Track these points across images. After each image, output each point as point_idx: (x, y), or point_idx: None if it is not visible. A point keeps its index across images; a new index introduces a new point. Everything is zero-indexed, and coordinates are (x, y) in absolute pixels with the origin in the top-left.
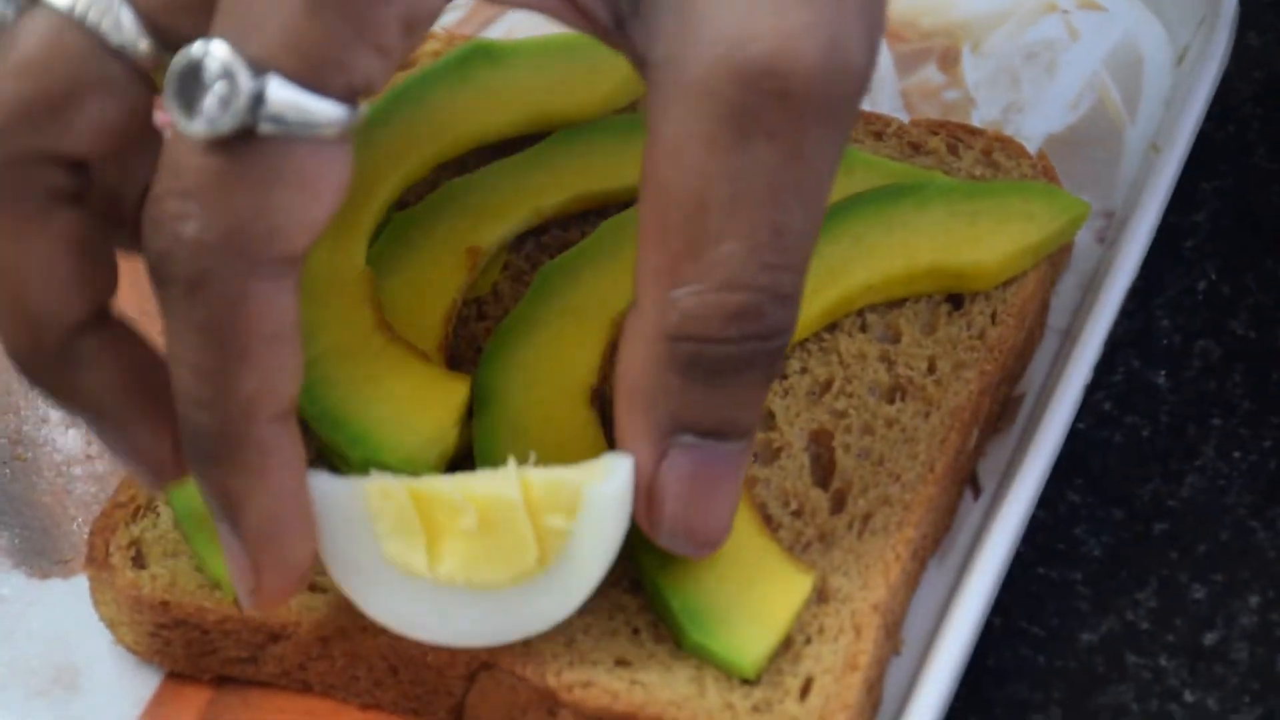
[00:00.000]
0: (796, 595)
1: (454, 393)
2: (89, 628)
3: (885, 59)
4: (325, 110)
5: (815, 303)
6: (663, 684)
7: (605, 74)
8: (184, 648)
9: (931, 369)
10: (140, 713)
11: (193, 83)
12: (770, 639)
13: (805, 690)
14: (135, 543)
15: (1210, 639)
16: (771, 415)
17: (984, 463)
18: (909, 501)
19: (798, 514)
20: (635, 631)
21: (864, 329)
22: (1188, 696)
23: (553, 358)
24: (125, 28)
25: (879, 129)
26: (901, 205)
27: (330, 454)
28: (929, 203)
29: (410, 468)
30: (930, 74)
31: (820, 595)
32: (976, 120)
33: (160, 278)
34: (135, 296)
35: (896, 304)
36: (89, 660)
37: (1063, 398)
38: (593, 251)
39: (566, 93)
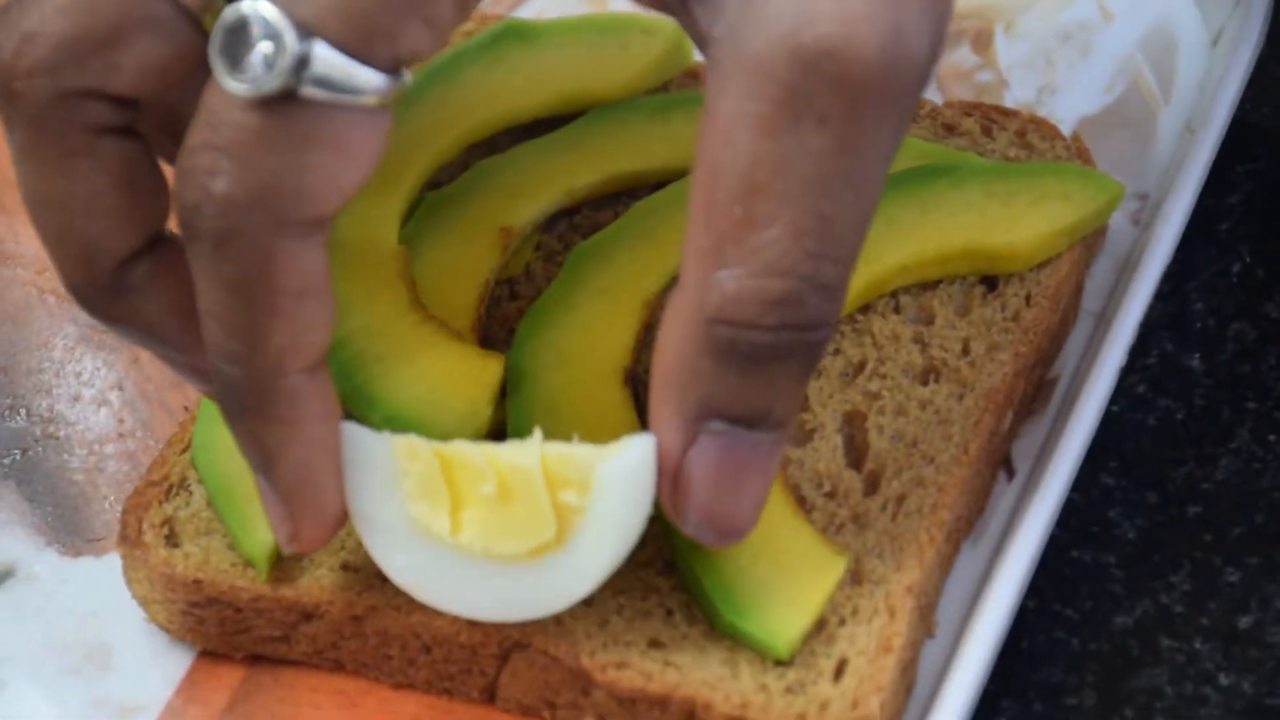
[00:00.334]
0: (830, 577)
1: (487, 372)
2: (121, 606)
3: None
4: (369, 78)
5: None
6: (696, 665)
7: (637, 54)
8: (217, 626)
9: (965, 351)
10: (173, 691)
11: (238, 39)
12: (804, 620)
13: (839, 672)
14: (168, 521)
15: (1245, 622)
16: (805, 397)
17: (1018, 445)
18: (943, 483)
19: (831, 495)
20: (669, 613)
21: (897, 310)
22: (1222, 680)
23: (586, 338)
24: None
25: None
26: (935, 187)
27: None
28: (963, 184)
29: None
30: (964, 55)
31: (854, 577)
32: (1010, 102)
33: (189, 231)
34: None
35: (930, 285)
36: (121, 638)
37: (1097, 380)
38: (625, 232)
39: (598, 73)
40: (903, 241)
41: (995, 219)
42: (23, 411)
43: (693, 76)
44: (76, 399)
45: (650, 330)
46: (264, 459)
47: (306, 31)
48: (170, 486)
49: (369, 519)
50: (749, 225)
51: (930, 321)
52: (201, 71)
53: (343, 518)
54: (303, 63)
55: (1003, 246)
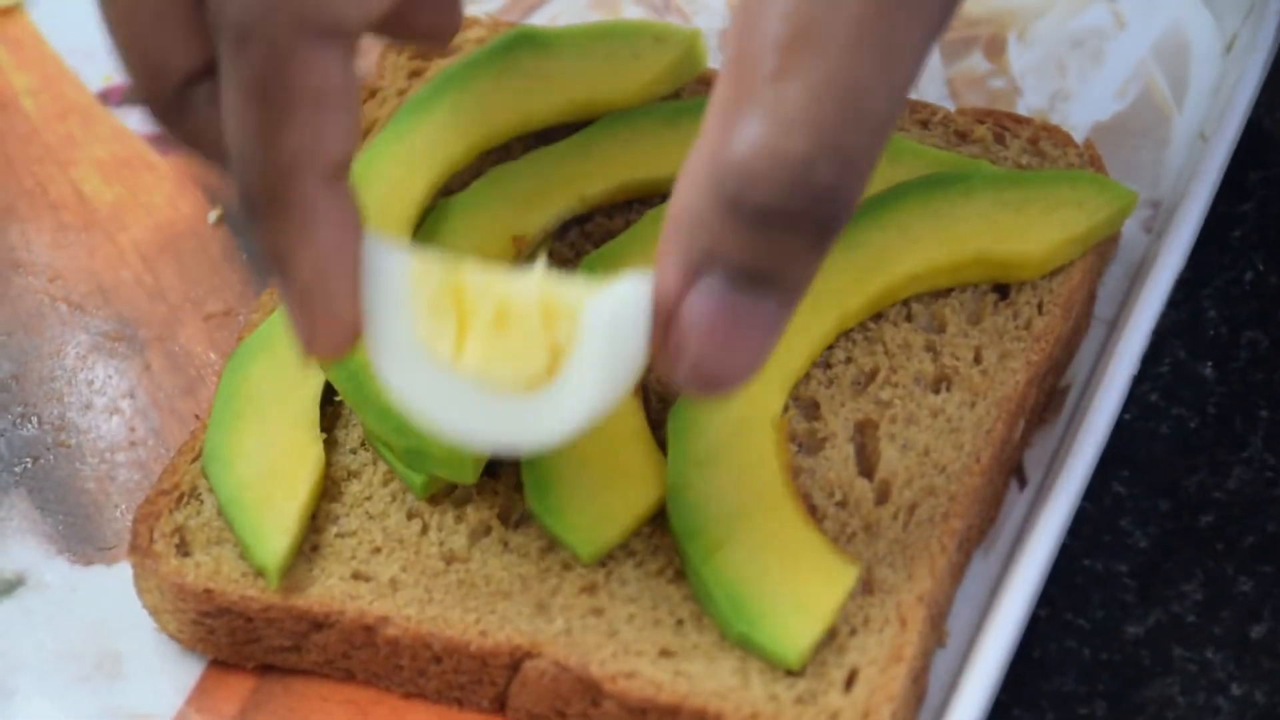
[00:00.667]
0: (841, 586)
1: None
2: (132, 615)
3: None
4: None
5: (860, 292)
6: (707, 675)
7: (649, 61)
8: (227, 636)
9: (977, 359)
10: (183, 701)
11: None
12: (815, 630)
13: (850, 681)
14: (179, 530)
15: (1257, 631)
16: (816, 405)
17: (1030, 453)
18: (954, 492)
19: (842, 504)
20: (679, 622)
21: (909, 319)
22: (1235, 690)
23: None
24: None
25: (925, 117)
26: (947, 194)
27: (374, 439)
28: (975, 192)
29: (455, 455)
30: (976, 62)
31: (865, 586)
32: (1022, 109)
33: (215, 27)
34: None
35: (942, 293)
36: (132, 648)
37: (1109, 388)
38: (637, 240)
39: (611, 80)
40: (914, 249)
41: (1007, 227)
42: (34, 420)
43: (705, 83)
44: (88, 407)
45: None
46: (279, 263)
47: None
48: (181, 495)
49: (379, 332)
50: (775, 77)
51: (942, 330)
52: None
53: (357, 326)
54: None
55: (1015, 254)
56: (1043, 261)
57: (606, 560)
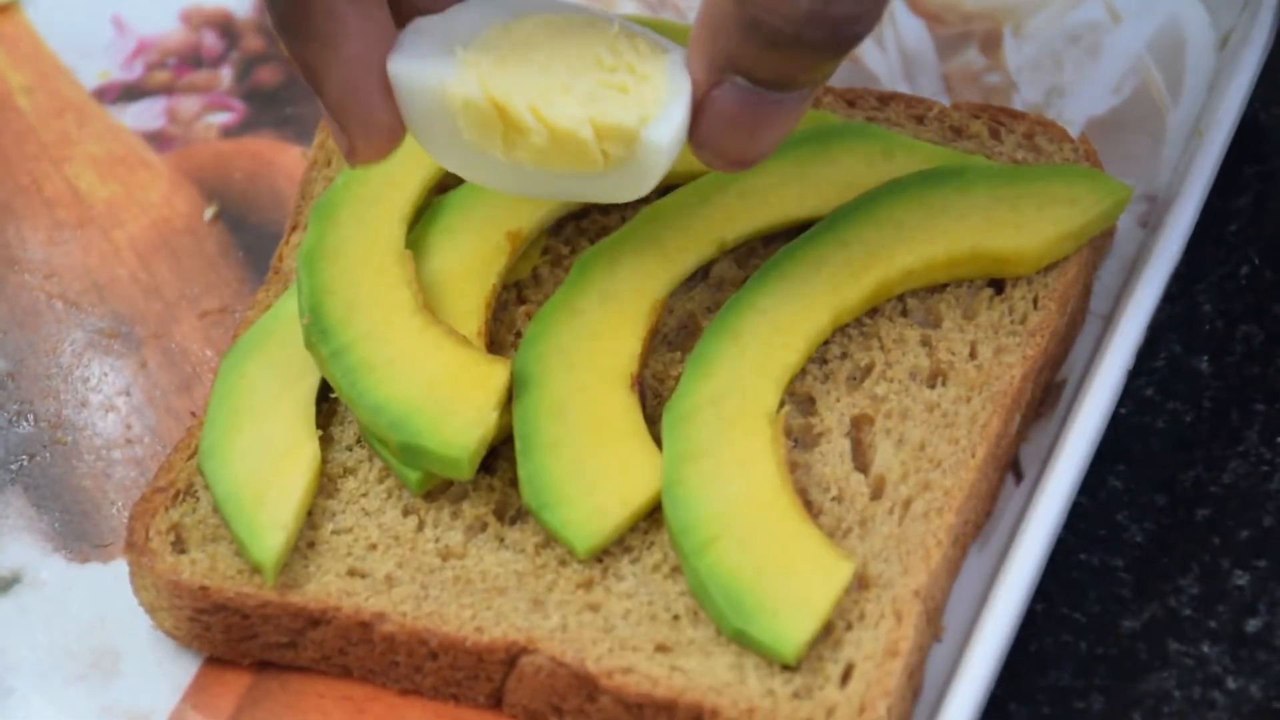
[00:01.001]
0: (837, 581)
1: (494, 377)
2: (128, 612)
3: (926, 42)
4: None
5: (855, 288)
6: (703, 670)
7: None
8: (223, 633)
9: (973, 354)
10: (180, 698)
11: None
12: (811, 625)
13: (846, 676)
14: (175, 527)
15: (1253, 626)
16: (811, 400)
17: (1026, 448)
18: (950, 487)
19: (838, 500)
20: (675, 617)
21: (905, 314)
22: (1230, 683)
23: (593, 343)
24: None
25: (920, 113)
26: (943, 189)
27: (370, 435)
28: (970, 187)
29: (450, 451)
30: (972, 57)
31: (861, 581)
32: (1018, 104)
33: None
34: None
35: (937, 289)
36: (128, 645)
37: (1105, 383)
38: (632, 237)
39: None
40: (910, 245)
41: (1002, 222)
42: (30, 417)
43: None
44: (84, 404)
45: (656, 337)
46: (310, 78)
47: None
48: (177, 492)
49: (427, 135)
50: None
51: (937, 325)
52: None
53: (397, 130)
54: None
55: (1010, 250)
56: (1038, 256)
57: (602, 556)
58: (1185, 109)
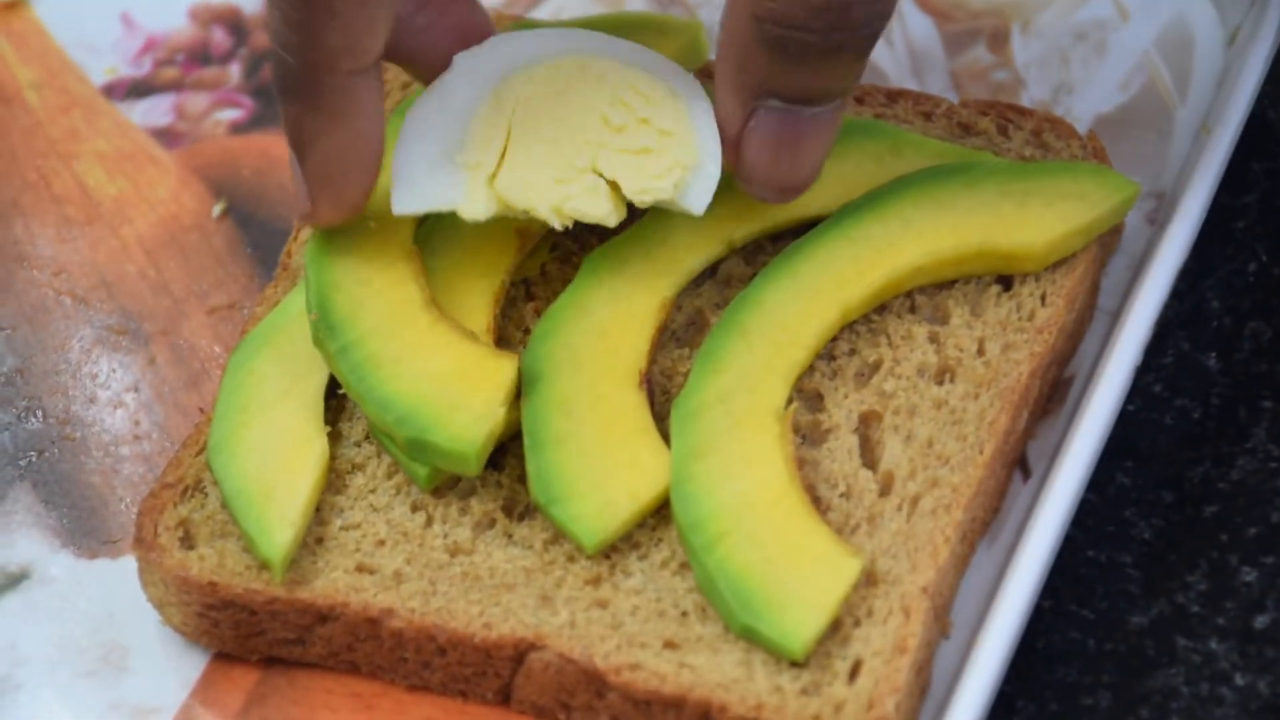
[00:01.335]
0: (845, 578)
1: (502, 372)
2: (137, 608)
3: (934, 39)
4: None
5: (863, 284)
6: (711, 666)
7: None
8: (232, 629)
9: (980, 351)
10: (188, 694)
11: None
12: (819, 622)
13: (854, 673)
14: (183, 523)
15: (1261, 622)
16: (820, 397)
17: (1034, 445)
18: (958, 484)
19: (846, 496)
20: (683, 614)
21: (913, 310)
22: (1238, 680)
23: (602, 341)
24: None
25: (928, 110)
26: (951, 186)
27: (378, 431)
28: (978, 184)
29: (458, 447)
30: (980, 54)
31: (869, 578)
32: (1026, 101)
33: None
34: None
35: (945, 285)
36: (137, 641)
37: (1112, 380)
38: (641, 236)
39: None
40: (918, 241)
41: (1011, 219)
42: (39, 413)
43: (708, 75)
44: (93, 401)
45: (665, 334)
46: (299, 143)
47: None
48: (186, 488)
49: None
50: None
51: (945, 321)
52: None
53: (360, 206)
54: None
55: (1018, 246)
56: (1046, 253)
57: (610, 553)
58: (1193, 106)
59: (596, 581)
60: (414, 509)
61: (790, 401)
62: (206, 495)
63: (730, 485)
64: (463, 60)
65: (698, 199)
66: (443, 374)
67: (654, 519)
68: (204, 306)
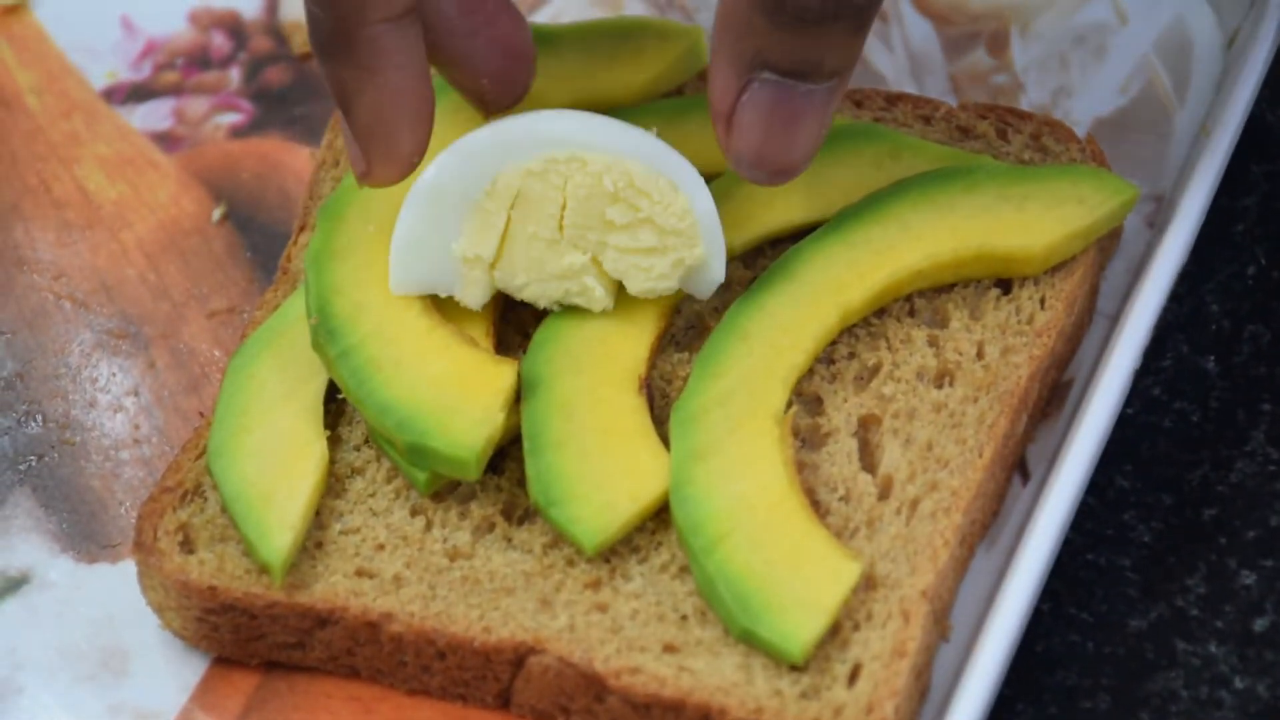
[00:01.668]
0: (844, 582)
1: (502, 377)
2: (137, 613)
3: (933, 43)
4: None
5: (863, 287)
6: (710, 670)
7: (652, 58)
8: (231, 633)
9: (980, 354)
10: (188, 698)
11: None
12: (818, 625)
13: (853, 676)
14: (183, 527)
15: (1260, 625)
16: (819, 400)
17: (1033, 448)
18: (957, 487)
19: (845, 500)
20: (683, 618)
21: (912, 314)
22: (1238, 683)
23: (602, 347)
24: None
25: (927, 113)
26: (950, 189)
27: (377, 436)
28: (977, 187)
29: (457, 451)
30: (979, 57)
31: (868, 582)
32: (1025, 104)
33: None
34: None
35: (945, 289)
36: (137, 645)
37: (1111, 383)
38: None
39: (613, 76)
40: (917, 245)
41: (1010, 222)
42: (39, 417)
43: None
44: (92, 405)
45: (664, 338)
46: (342, 100)
47: None
48: (185, 493)
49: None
50: None
51: (945, 325)
52: None
53: (416, 159)
54: None
55: (1017, 249)
56: (1045, 256)
57: (610, 556)
58: (1192, 109)
59: (596, 585)
60: (413, 513)
61: (790, 405)
62: (206, 499)
63: (730, 488)
64: (461, 146)
65: (703, 290)
66: (442, 379)
67: (653, 523)
68: (204, 310)
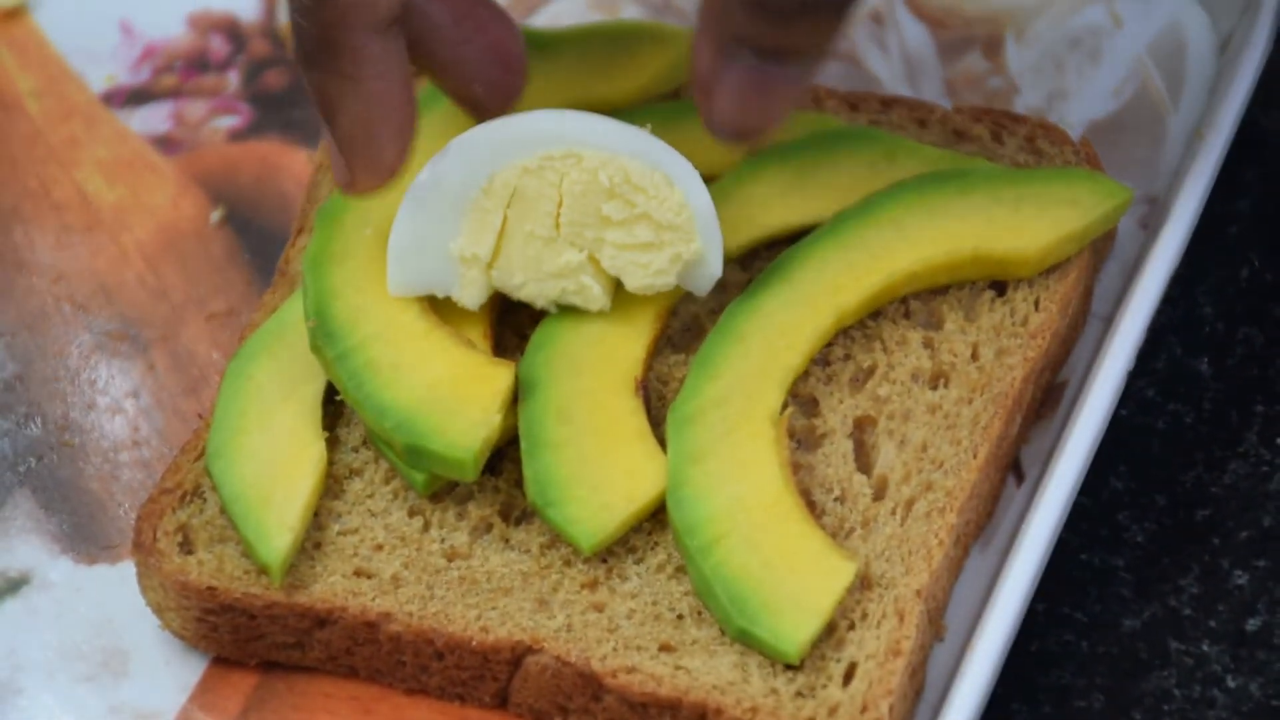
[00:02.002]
0: (840, 581)
1: (499, 379)
2: (136, 613)
3: (929, 46)
4: None
5: (858, 290)
6: (707, 669)
7: (648, 61)
8: (230, 633)
9: (974, 356)
10: (187, 698)
11: None
12: (814, 625)
13: (848, 676)
14: (182, 528)
15: (1253, 625)
16: (815, 402)
17: (1027, 449)
18: (951, 488)
19: (841, 500)
20: (679, 617)
21: (907, 315)
22: (1230, 682)
23: (599, 349)
24: None
25: (923, 116)
26: (945, 192)
27: (375, 437)
28: (972, 190)
29: (455, 453)
30: (974, 61)
31: (863, 581)
32: (1020, 107)
33: None
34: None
35: (940, 291)
36: (136, 646)
37: (1105, 384)
38: None
39: (609, 80)
40: (912, 247)
41: (1004, 224)
42: (38, 419)
43: None
44: (91, 407)
45: (661, 340)
46: (326, 110)
47: None
48: (184, 494)
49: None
50: None
51: (940, 327)
52: None
53: (398, 168)
54: None
55: (1012, 252)
56: (1039, 258)
57: (607, 556)
58: (1186, 112)
59: (593, 585)
60: (411, 514)
61: (785, 406)
62: (205, 500)
63: (726, 489)
64: (457, 145)
65: (701, 286)
66: (440, 381)
67: (650, 523)
68: (203, 313)
